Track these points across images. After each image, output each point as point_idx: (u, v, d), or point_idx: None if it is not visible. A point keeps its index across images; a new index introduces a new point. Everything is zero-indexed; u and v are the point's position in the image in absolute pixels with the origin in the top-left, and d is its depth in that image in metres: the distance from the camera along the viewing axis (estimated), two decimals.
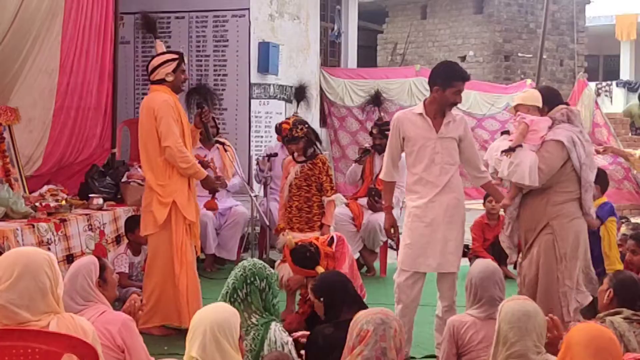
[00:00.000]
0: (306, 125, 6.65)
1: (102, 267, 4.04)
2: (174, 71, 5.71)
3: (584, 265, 5.10)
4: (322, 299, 4.37)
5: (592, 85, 13.91)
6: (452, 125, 5.18)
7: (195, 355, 3.09)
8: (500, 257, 8.23)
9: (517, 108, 5.20)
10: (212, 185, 6.16)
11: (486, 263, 4.44)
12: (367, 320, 3.38)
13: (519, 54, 19.13)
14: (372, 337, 3.32)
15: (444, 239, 5.20)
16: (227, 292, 4.19)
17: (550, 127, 5.04)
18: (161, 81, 5.75)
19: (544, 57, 13.99)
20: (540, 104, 5.11)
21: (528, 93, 5.30)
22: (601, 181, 6.29)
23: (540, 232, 5.03)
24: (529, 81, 13.59)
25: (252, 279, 4.18)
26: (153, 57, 5.96)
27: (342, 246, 5.41)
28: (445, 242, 5.22)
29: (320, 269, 5.13)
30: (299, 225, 6.56)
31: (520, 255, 5.33)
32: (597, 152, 8.23)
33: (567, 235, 4.97)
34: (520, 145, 4.97)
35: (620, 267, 6.02)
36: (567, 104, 5.36)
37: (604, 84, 22.91)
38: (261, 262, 4.36)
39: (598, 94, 18.53)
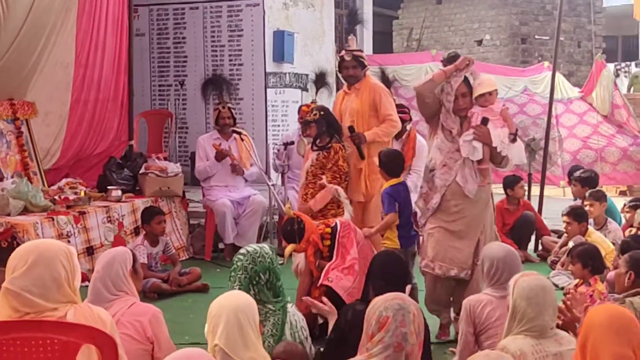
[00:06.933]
0: (322, 112, 6.49)
1: (134, 258, 4.03)
2: None
3: None
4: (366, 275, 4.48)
5: (611, 66, 13.72)
6: None
7: (218, 342, 3.07)
8: (520, 241, 8.20)
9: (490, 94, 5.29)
10: None
11: (504, 246, 4.41)
12: (385, 307, 3.34)
13: (536, 37, 18.95)
14: (392, 324, 3.28)
15: None
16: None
17: None
18: None
19: (561, 39, 13.87)
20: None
21: (486, 80, 5.36)
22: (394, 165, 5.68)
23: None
24: (546, 63, 13.40)
25: (257, 279, 4.12)
26: None
27: (347, 231, 5.39)
28: None
29: (290, 247, 5.31)
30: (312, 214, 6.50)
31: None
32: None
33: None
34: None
35: None
36: None
37: (623, 64, 22.67)
38: (258, 253, 4.21)
39: (617, 75, 18.30)
